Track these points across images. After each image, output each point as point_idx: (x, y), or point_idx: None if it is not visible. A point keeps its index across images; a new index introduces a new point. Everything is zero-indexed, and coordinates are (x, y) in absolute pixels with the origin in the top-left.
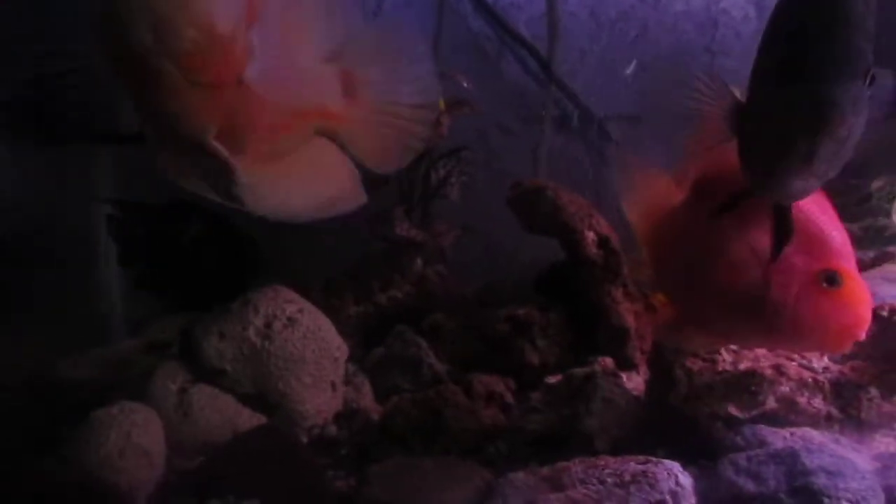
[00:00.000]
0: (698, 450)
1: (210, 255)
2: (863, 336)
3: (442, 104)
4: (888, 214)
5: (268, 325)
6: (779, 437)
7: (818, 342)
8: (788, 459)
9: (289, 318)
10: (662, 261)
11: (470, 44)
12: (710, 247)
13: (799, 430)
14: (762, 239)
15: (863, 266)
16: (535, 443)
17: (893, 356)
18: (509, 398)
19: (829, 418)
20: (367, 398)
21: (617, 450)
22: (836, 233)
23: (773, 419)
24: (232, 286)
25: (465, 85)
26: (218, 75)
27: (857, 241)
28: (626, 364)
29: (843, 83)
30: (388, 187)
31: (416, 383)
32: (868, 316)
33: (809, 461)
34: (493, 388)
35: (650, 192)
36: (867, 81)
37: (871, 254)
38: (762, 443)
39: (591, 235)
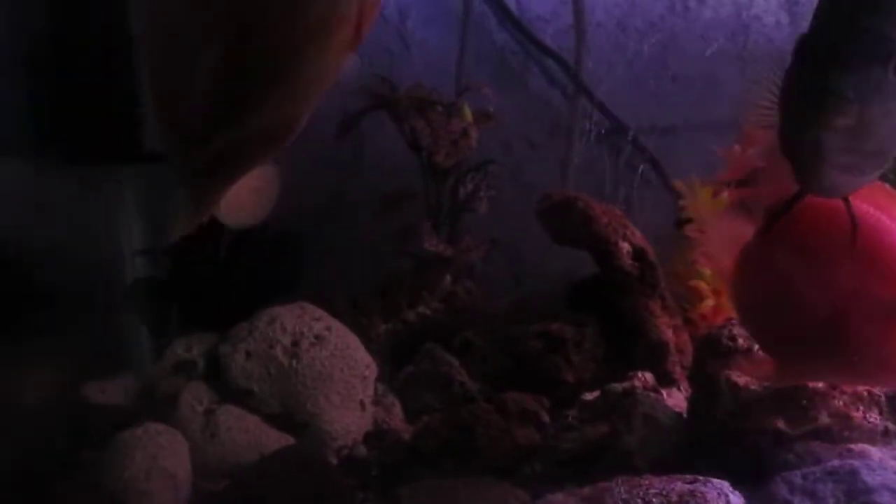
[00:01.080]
0: (747, 468)
1: (246, 268)
2: None
3: (469, 116)
4: None
5: (295, 344)
6: (834, 454)
7: None
8: (847, 477)
9: (316, 336)
10: (745, 305)
11: (495, 57)
12: (784, 283)
13: (856, 447)
14: (839, 269)
15: None
16: (573, 462)
17: None
18: (544, 416)
19: (886, 433)
20: (396, 418)
21: (658, 468)
22: None
23: (827, 435)
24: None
25: (491, 97)
26: None
27: None
28: (666, 380)
29: (856, 70)
30: (414, 202)
31: (446, 402)
32: None
33: (871, 478)
34: (526, 407)
35: (729, 227)
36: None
37: None
38: (817, 460)
39: (625, 247)
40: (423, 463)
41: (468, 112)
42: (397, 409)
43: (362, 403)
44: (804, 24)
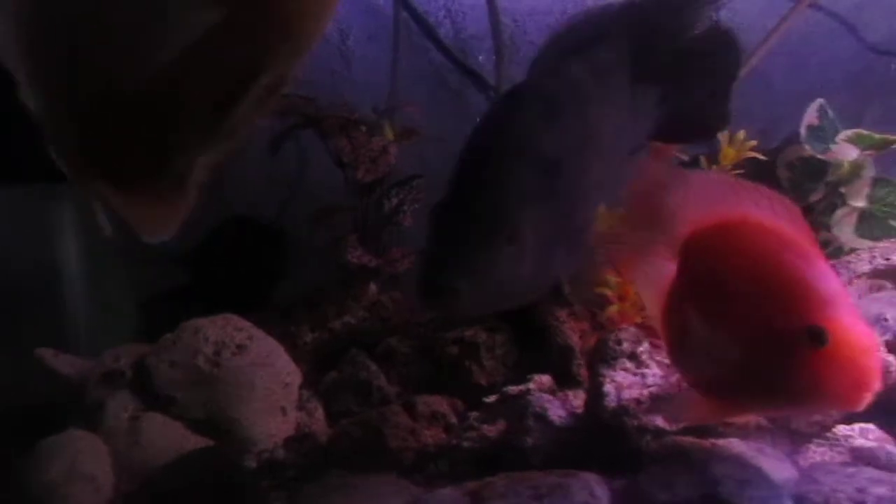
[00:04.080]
0: (627, 463)
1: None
2: (875, 387)
3: (390, 134)
4: (829, 228)
5: (217, 353)
6: (698, 448)
7: (828, 404)
8: (700, 468)
9: (238, 346)
10: (672, 343)
11: (434, 74)
12: (702, 319)
13: (722, 441)
14: (749, 303)
15: None
16: (476, 461)
17: None
18: (452, 418)
19: (759, 428)
20: (319, 422)
21: (552, 466)
22: (816, 276)
23: (703, 430)
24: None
25: (416, 116)
26: None
27: None
28: (573, 382)
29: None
30: (342, 215)
31: (365, 406)
32: (872, 364)
33: (719, 470)
34: (436, 409)
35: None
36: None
37: None
38: (682, 453)
39: None
40: (337, 463)
41: (389, 130)
42: (320, 414)
43: (283, 409)
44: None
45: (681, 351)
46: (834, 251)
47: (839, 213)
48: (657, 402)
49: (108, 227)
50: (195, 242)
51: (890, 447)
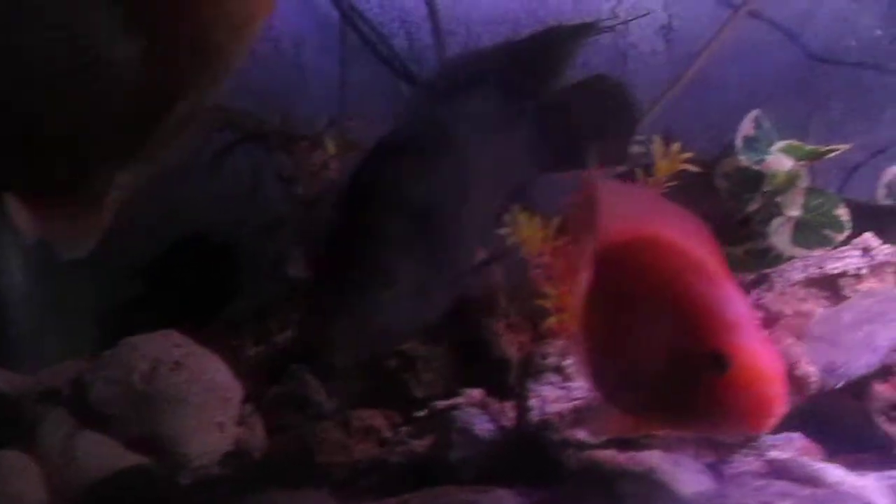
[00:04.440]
0: (550, 477)
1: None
2: (778, 413)
3: (332, 148)
4: (767, 237)
5: (153, 370)
6: (613, 462)
7: (730, 429)
8: (608, 484)
9: (175, 362)
10: (586, 356)
11: (389, 86)
12: (613, 335)
13: (642, 454)
14: (660, 321)
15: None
16: (408, 476)
17: None
18: (388, 432)
19: (683, 440)
20: (259, 437)
21: (482, 481)
22: (722, 300)
23: (626, 443)
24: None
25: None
26: None
27: (741, 264)
28: (509, 395)
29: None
30: (286, 230)
31: (305, 421)
32: (774, 391)
33: (627, 487)
34: (370, 423)
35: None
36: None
37: (750, 276)
38: (597, 469)
39: None
40: (271, 479)
41: (331, 144)
42: (260, 429)
43: (221, 425)
44: (679, 50)
45: (591, 365)
46: (773, 259)
47: (776, 222)
48: (581, 415)
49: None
50: (150, 258)
51: (806, 459)
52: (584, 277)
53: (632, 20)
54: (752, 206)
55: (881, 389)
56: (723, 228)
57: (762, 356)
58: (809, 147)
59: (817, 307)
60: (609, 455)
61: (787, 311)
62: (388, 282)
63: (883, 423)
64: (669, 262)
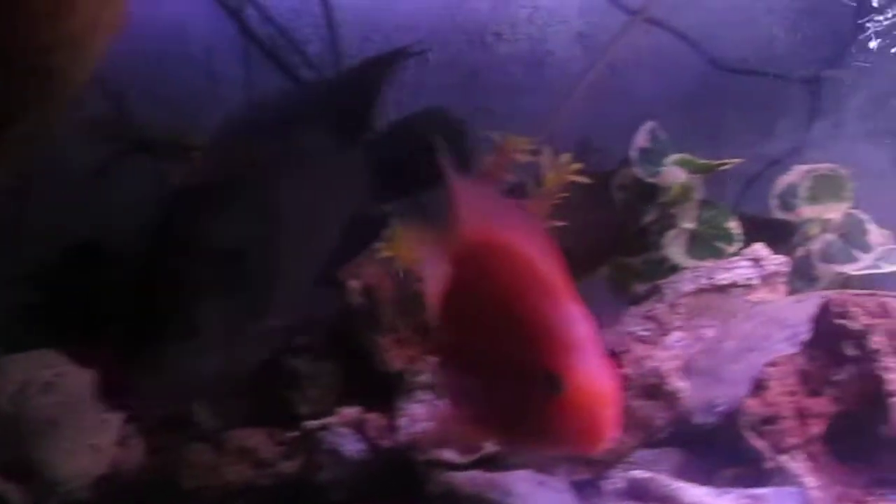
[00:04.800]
0: (417, 498)
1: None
2: (610, 436)
3: None
4: (663, 248)
5: (21, 392)
6: (472, 484)
7: (567, 449)
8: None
9: (46, 384)
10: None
11: None
12: (459, 345)
13: (504, 475)
14: (503, 334)
15: (636, 299)
16: (279, 498)
17: None
18: (266, 453)
19: (555, 459)
20: (135, 459)
21: (353, 500)
22: (563, 319)
23: (495, 463)
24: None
25: None
26: None
27: (639, 275)
28: (393, 411)
29: None
30: None
31: (184, 442)
32: (608, 414)
33: None
34: (244, 444)
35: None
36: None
37: (645, 287)
38: (457, 490)
39: (355, 284)
40: (138, 502)
41: None
42: (139, 451)
43: (95, 447)
44: (595, 56)
45: (442, 371)
46: (668, 270)
47: (670, 234)
48: (444, 434)
49: None
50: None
51: (664, 478)
52: (440, 276)
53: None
54: (649, 218)
55: (752, 405)
56: (621, 239)
57: (597, 379)
58: (702, 161)
59: (708, 318)
60: (471, 476)
61: (677, 322)
62: (191, 333)
63: (752, 439)
64: (519, 276)
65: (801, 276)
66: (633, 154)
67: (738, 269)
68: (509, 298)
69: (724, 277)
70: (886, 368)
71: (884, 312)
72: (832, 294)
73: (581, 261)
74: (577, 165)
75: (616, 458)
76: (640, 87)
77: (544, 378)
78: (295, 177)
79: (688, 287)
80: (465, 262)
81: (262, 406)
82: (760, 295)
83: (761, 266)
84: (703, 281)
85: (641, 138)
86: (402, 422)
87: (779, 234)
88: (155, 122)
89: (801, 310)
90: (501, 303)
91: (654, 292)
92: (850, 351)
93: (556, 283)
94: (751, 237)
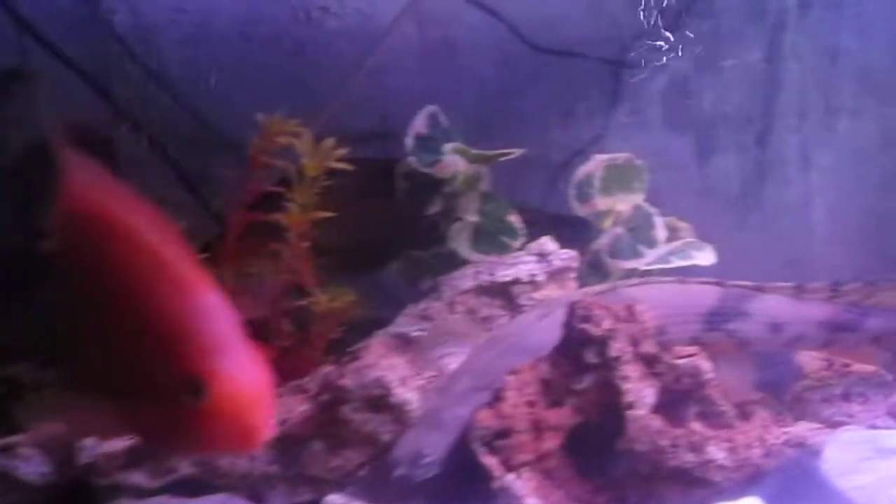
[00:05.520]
0: None
1: None
2: (261, 439)
3: None
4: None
5: None
6: None
7: (216, 452)
8: None
9: None
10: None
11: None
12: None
13: (193, 499)
14: (121, 340)
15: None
16: None
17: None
18: None
19: (266, 477)
20: None
21: None
22: (202, 317)
23: (195, 485)
24: None
25: None
26: None
27: (430, 269)
28: None
29: None
30: None
31: None
32: (257, 417)
33: None
34: None
35: None
36: None
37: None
38: None
39: None
40: None
41: None
42: None
43: None
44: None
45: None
46: (458, 265)
47: (456, 227)
48: (136, 455)
49: None
50: None
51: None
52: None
53: None
54: (433, 209)
55: (484, 417)
56: (412, 232)
57: (244, 382)
58: (476, 151)
59: (491, 315)
60: (161, 501)
61: (452, 321)
62: None
63: (483, 455)
64: (141, 261)
65: (594, 272)
66: (409, 141)
67: (521, 265)
68: (133, 289)
69: (505, 274)
70: (624, 377)
71: (629, 316)
72: (580, 295)
73: (370, 254)
74: (340, 152)
75: (341, 478)
76: (451, 70)
77: (185, 384)
78: None
79: (468, 284)
80: (78, 232)
81: None
82: (547, 292)
83: (548, 261)
84: (484, 277)
85: (419, 124)
86: (86, 441)
87: (577, 228)
88: None
89: (548, 330)
90: (125, 296)
91: (433, 290)
92: (592, 358)
93: (191, 275)
94: (547, 231)
